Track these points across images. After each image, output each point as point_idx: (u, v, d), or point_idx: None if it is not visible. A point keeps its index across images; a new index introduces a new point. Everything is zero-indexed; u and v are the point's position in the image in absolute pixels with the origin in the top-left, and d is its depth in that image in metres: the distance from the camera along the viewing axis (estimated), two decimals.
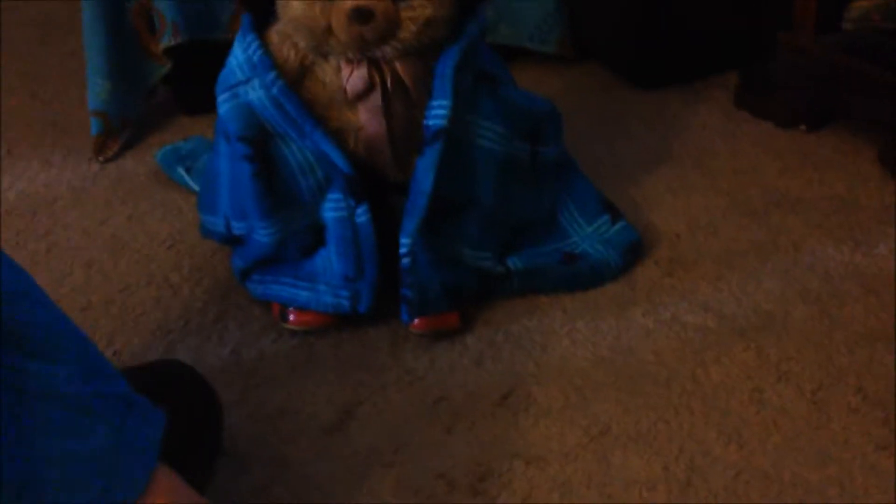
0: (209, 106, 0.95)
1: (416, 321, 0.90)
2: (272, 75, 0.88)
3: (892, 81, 1.13)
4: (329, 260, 0.93)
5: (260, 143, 0.90)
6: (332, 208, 0.92)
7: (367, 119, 0.89)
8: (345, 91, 0.88)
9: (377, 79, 0.88)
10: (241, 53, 0.91)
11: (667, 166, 1.20)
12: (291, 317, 0.92)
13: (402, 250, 0.88)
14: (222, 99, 0.91)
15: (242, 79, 0.90)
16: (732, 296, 0.95)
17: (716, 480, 0.75)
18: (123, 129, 1.25)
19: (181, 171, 1.14)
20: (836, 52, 1.21)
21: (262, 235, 0.93)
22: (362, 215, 0.91)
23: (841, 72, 1.20)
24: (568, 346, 0.89)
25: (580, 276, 0.97)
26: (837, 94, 1.23)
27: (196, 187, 1.10)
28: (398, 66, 0.88)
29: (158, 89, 1.31)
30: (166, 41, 1.24)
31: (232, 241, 0.97)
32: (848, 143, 1.21)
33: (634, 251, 1.00)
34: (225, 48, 0.94)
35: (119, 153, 1.23)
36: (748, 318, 0.92)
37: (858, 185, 1.13)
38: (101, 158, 1.22)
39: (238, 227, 0.95)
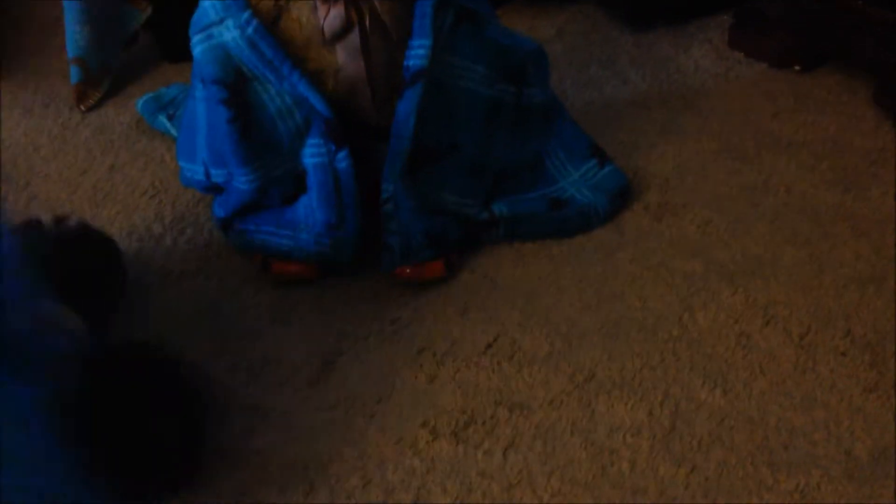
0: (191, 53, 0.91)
1: (400, 269, 0.87)
2: (246, 15, 0.85)
3: (891, 19, 1.08)
4: (310, 207, 0.90)
5: (236, 87, 0.87)
6: (312, 154, 0.89)
7: (345, 60, 0.86)
8: (322, 31, 0.84)
9: (355, 18, 0.84)
10: None
11: (657, 109, 1.16)
12: (273, 266, 0.90)
13: (384, 196, 0.85)
14: (196, 40, 0.88)
15: (216, 19, 0.87)
16: (721, 240, 0.93)
17: (700, 426, 0.73)
18: (104, 77, 1.21)
19: (163, 118, 1.11)
20: None
21: (242, 183, 0.90)
22: (343, 160, 0.88)
23: (837, 9, 1.16)
24: (554, 293, 0.87)
25: (567, 222, 0.94)
26: (833, 33, 1.18)
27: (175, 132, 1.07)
28: (377, 4, 0.84)
29: (139, 35, 1.26)
30: None
31: (212, 189, 0.94)
32: (843, 83, 1.17)
33: (623, 196, 0.98)
34: None
35: (100, 102, 1.19)
36: (736, 262, 0.90)
37: (852, 126, 1.10)
38: (81, 107, 1.19)
39: (217, 175, 0.92)
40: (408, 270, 0.88)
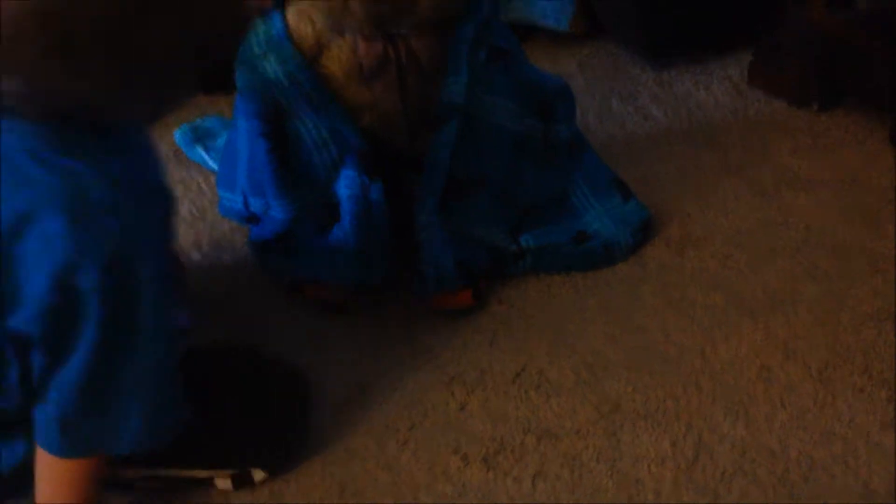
0: (228, 85, 0.95)
1: (431, 298, 0.90)
2: (289, 51, 0.89)
3: None
4: (344, 236, 0.93)
5: (276, 120, 0.91)
6: (346, 185, 0.93)
7: (382, 95, 0.90)
8: (361, 67, 0.88)
9: (392, 55, 0.88)
10: (261, 28, 0.91)
11: (678, 145, 1.19)
12: (308, 293, 0.93)
13: (419, 227, 0.89)
14: (240, 73, 0.92)
15: (259, 53, 0.91)
16: (741, 274, 0.96)
17: (723, 457, 0.76)
18: None
19: (200, 150, 1.14)
20: (849, 29, 1.20)
21: (279, 212, 0.94)
22: (376, 192, 0.92)
23: (853, 49, 1.19)
24: (579, 324, 0.90)
25: (592, 255, 0.97)
26: (850, 73, 1.22)
27: (215, 166, 1.11)
28: (413, 42, 0.88)
29: None
30: None
31: (250, 218, 0.98)
32: (859, 122, 1.20)
33: (645, 230, 1.01)
34: None
35: None
36: (757, 296, 0.92)
37: (870, 164, 1.12)
38: None
39: (255, 204, 0.95)
40: (439, 298, 0.91)
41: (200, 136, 1.14)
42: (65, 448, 0.63)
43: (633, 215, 1.00)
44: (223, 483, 0.73)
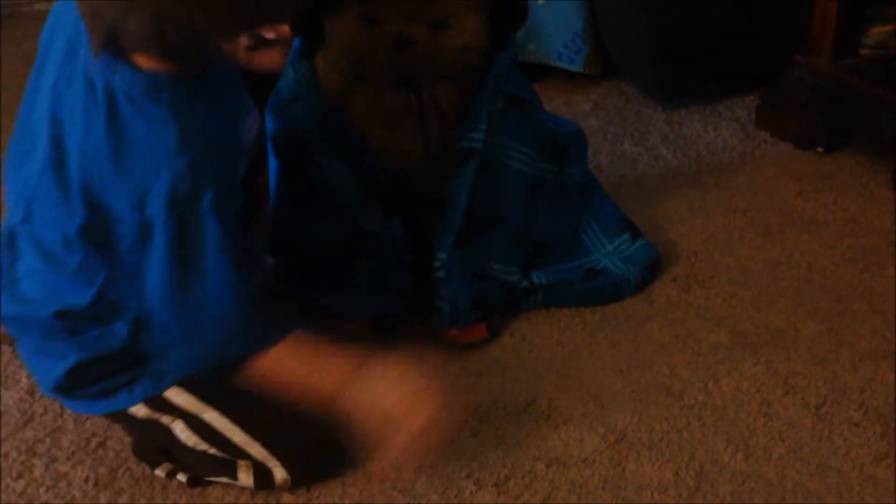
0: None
1: (448, 331, 0.96)
2: (317, 96, 0.96)
3: None
4: (366, 269, 1.00)
5: (304, 161, 0.98)
6: (367, 221, 0.99)
7: (405, 139, 0.96)
8: (385, 113, 0.95)
9: (416, 102, 0.95)
10: (290, 75, 0.98)
11: (687, 185, 1.25)
12: (331, 323, 0.99)
13: (437, 264, 0.95)
14: (270, 118, 0.99)
15: (289, 99, 0.98)
16: (745, 312, 1.01)
17: (723, 487, 0.81)
18: None
19: None
20: (852, 76, 1.26)
21: (304, 247, 1.00)
22: (396, 228, 0.98)
23: (857, 95, 1.25)
24: (587, 358, 0.96)
25: (601, 292, 1.03)
26: (854, 117, 1.28)
27: None
28: (435, 90, 0.95)
29: None
30: None
31: (278, 251, 1.04)
32: (863, 165, 1.26)
33: (653, 268, 1.07)
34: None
35: None
36: (759, 334, 0.98)
37: (871, 207, 1.18)
38: None
39: (282, 239, 1.02)
40: (454, 332, 0.97)
41: None
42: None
43: (641, 254, 1.06)
44: (245, 477, 0.80)
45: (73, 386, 0.79)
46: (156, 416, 0.81)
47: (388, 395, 0.77)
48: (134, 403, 0.80)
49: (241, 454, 0.80)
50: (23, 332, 0.81)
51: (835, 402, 0.89)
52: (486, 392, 0.92)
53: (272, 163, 1.00)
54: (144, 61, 0.70)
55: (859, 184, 1.23)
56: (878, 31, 1.30)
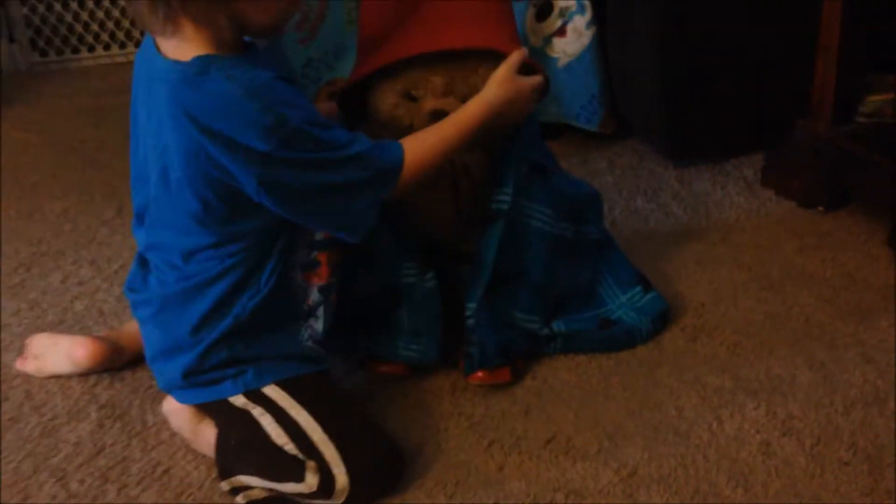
0: None
1: (476, 374, 1.08)
2: None
3: None
4: (402, 318, 1.12)
5: None
6: (405, 274, 1.12)
7: (439, 202, 1.09)
8: None
9: (448, 168, 1.08)
10: None
11: (695, 240, 1.38)
12: (370, 366, 1.11)
13: (468, 314, 1.07)
14: None
15: None
16: (747, 360, 1.12)
17: None
18: None
19: None
20: (849, 142, 1.38)
21: (347, 298, 1.12)
22: (430, 280, 1.10)
23: (854, 159, 1.38)
24: (602, 400, 1.07)
25: (615, 340, 1.15)
26: (852, 179, 1.40)
27: None
28: (466, 158, 1.08)
29: None
30: None
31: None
32: (861, 224, 1.38)
33: (663, 319, 1.18)
34: None
35: None
36: (760, 380, 1.09)
37: (868, 264, 1.30)
38: None
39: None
40: (481, 374, 1.09)
41: None
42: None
43: (652, 306, 1.18)
44: (311, 478, 0.92)
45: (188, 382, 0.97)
46: (250, 406, 0.95)
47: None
48: (236, 393, 0.96)
49: (314, 453, 0.92)
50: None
51: (827, 443, 1.00)
52: (510, 430, 1.03)
53: None
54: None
55: (857, 242, 1.35)
56: (874, 100, 1.43)
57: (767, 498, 0.94)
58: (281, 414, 0.95)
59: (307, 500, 0.93)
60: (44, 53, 2.24)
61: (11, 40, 2.22)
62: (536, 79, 1.06)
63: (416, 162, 0.96)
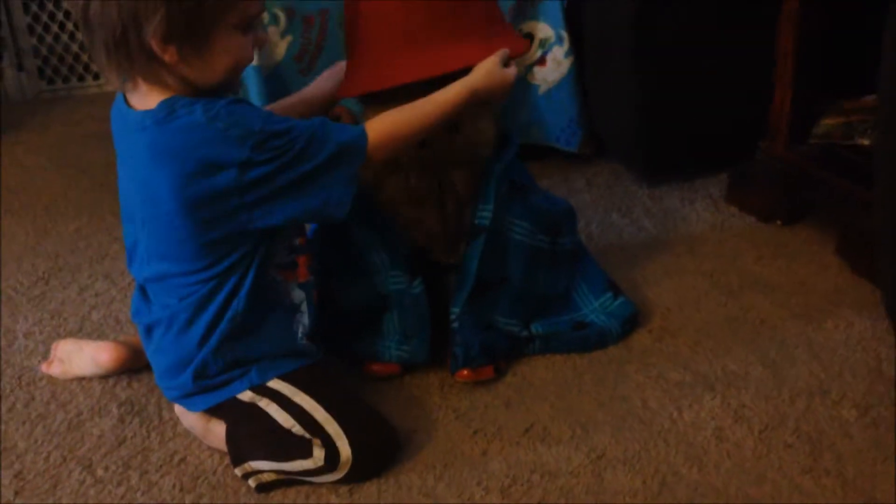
0: None
1: (461, 372, 1.22)
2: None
3: (845, 189, 1.44)
4: (393, 322, 1.26)
5: (343, 232, 1.24)
6: (394, 282, 1.25)
7: (427, 216, 1.24)
8: (411, 195, 1.22)
9: (436, 186, 1.22)
10: None
11: (664, 252, 1.52)
12: (365, 366, 1.25)
13: (453, 317, 1.21)
14: None
15: None
16: (706, 358, 1.27)
17: (680, 493, 1.05)
18: None
19: None
20: (804, 162, 1.53)
21: (342, 302, 1.26)
22: (417, 287, 1.24)
23: (808, 178, 1.52)
24: (576, 393, 1.21)
25: (588, 341, 1.29)
26: (807, 197, 1.55)
27: None
28: (452, 176, 1.23)
29: None
30: None
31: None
32: (814, 237, 1.53)
33: (632, 322, 1.32)
34: None
35: None
36: (717, 375, 1.23)
37: (819, 272, 1.44)
38: None
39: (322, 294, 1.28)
40: (466, 372, 1.22)
41: None
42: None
43: (622, 310, 1.32)
44: (318, 453, 1.04)
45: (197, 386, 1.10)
46: (257, 399, 1.09)
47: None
48: (243, 390, 1.09)
49: (319, 430, 1.05)
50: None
51: (774, 428, 1.14)
52: (492, 420, 1.17)
53: (312, 228, 1.27)
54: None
55: (810, 252, 1.49)
56: (827, 123, 1.57)
57: (719, 476, 1.07)
58: (285, 401, 1.08)
59: (314, 478, 1.07)
60: (51, 81, 2.38)
61: (20, 69, 2.36)
62: (513, 70, 1.16)
63: (386, 132, 1.07)
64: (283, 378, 1.10)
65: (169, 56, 0.98)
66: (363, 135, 1.06)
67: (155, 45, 0.97)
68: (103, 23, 0.97)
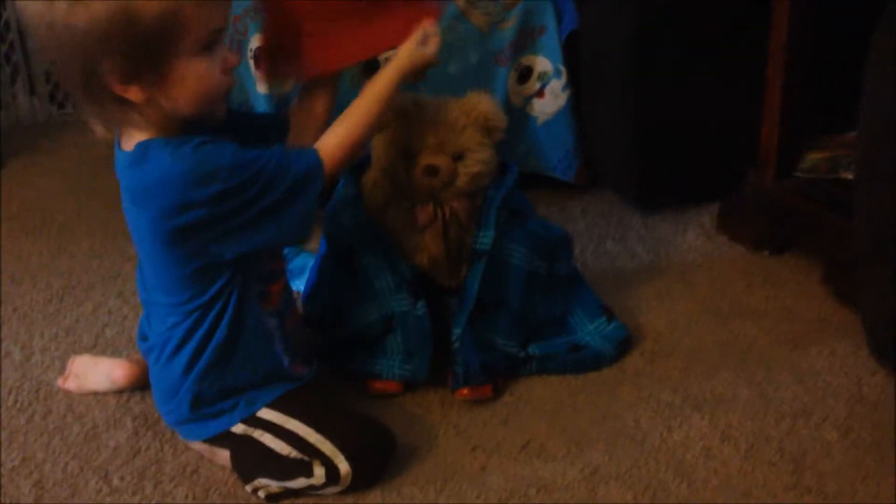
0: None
1: (461, 390, 1.28)
2: (361, 209, 1.30)
3: (830, 222, 1.51)
4: (397, 342, 1.32)
5: (348, 256, 1.32)
6: (398, 304, 1.32)
7: (430, 242, 1.30)
8: (416, 221, 1.29)
9: (439, 214, 1.29)
10: (341, 190, 1.33)
11: (656, 279, 1.59)
12: (369, 384, 1.31)
13: (454, 338, 1.28)
14: (326, 221, 1.33)
15: (340, 209, 1.32)
16: (696, 381, 1.33)
17: None
18: None
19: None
20: (790, 194, 1.61)
21: (349, 324, 1.33)
22: (420, 309, 1.31)
23: (794, 210, 1.60)
24: (571, 412, 1.27)
25: (583, 362, 1.35)
26: (792, 227, 1.62)
27: (296, 288, 1.52)
28: (454, 204, 1.30)
29: None
30: None
31: (326, 326, 1.36)
32: (801, 266, 1.60)
33: (625, 344, 1.39)
34: None
35: None
36: (706, 397, 1.30)
37: (805, 300, 1.51)
38: None
39: (329, 315, 1.34)
40: (466, 391, 1.28)
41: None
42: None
43: (615, 333, 1.39)
44: (318, 471, 1.10)
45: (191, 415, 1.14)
46: (249, 430, 1.14)
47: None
48: (234, 423, 1.14)
49: (315, 452, 1.10)
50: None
51: (759, 448, 1.20)
52: (491, 436, 1.23)
53: (323, 257, 1.34)
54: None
55: (796, 281, 1.56)
56: (813, 157, 1.65)
57: (707, 492, 1.13)
58: (277, 429, 1.14)
59: (319, 492, 1.12)
60: (61, 106, 2.45)
61: (32, 93, 2.44)
62: (433, 46, 1.19)
63: (338, 146, 1.12)
64: (272, 406, 1.15)
65: (134, 95, 1.00)
66: (318, 161, 1.10)
67: (117, 88, 1.00)
68: (69, 77, 1.01)
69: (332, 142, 1.13)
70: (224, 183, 1.02)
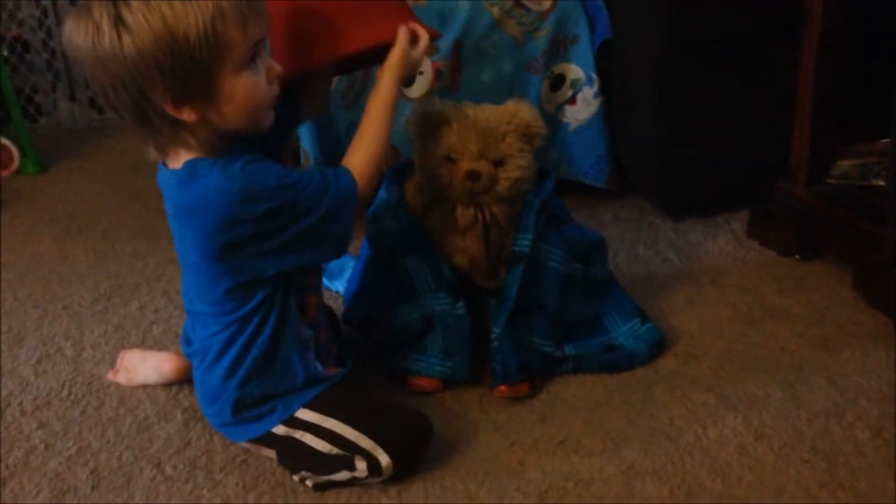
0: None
1: (500, 388, 1.32)
2: (404, 212, 1.35)
3: (861, 228, 1.55)
4: (437, 341, 1.37)
5: (390, 257, 1.37)
6: (439, 304, 1.37)
7: (471, 244, 1.35)
8: (457, 224, 1.34)
9: (480, 216, 1.34)
10: (384, 194, 1.38)
11: (688, 283, 1.63)
12: (409, 382, 1.36)
13: (493, 337, 1.32)
14: (369, 224, 1.38)
15: (383, 212, 1.37)
16: (729, 381, 1.37)
17: (705, 503, 1.15)
18: None
19: (325, 279, 1.60)
20: (821, 201, 1.64)
21: (390, 324, 1.38)
22: (460, 309, 1.36)
23: (824, 216, 1.63)
24: (606, 410, 1.32)
25: (617, 363, 1.39)
26: (824, 233, 1.66)
27: (330, 285, 1.57)
28: (494, 208, 1.35)
29: None
30: None
31: (368, 324, 1.42)
32: (831, 271, 1.64)
33: (659, 346, 1.43)
34: None
35: None
36: (739, 397, 1.33)
37: (835, 304, 1.55)
38: None
39: (374, 315, 1.40)
40: (504, 388, 1.33)
41: (327, 270, 1.61)
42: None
43: (649, 334, 1.43)
44: (361, 465, 1.14)
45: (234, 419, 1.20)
46: (290, 431, 1.19)
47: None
48: (274, 426, 1.19)
49: (356, 448, 1.15)
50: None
51: (793, 446, 1.23)
52: (528, 433, 1.28)
53: (366, 258, 1.39)
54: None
55: (827, 286, 1.60)
56: (844, 164, 1.69)
57: (741, 488, 1.17)
58: (317, 429, 1.18)
59: (363, 482, 1.17)
60: (101, 111, 2.53)
61: (73, 99, 2.52)
62: (421, 48, 1.25)
63: (366, 164, 1.18)
64: (310, 406, 1.19)
65: (187, 115, 1.05)
66: (353, 181, 1.16)
67: (170, 110, 1.04)
68: (120, 103, 1.05)
69: (361, 160, 1.19)
70: (270, 202, 1.08)
